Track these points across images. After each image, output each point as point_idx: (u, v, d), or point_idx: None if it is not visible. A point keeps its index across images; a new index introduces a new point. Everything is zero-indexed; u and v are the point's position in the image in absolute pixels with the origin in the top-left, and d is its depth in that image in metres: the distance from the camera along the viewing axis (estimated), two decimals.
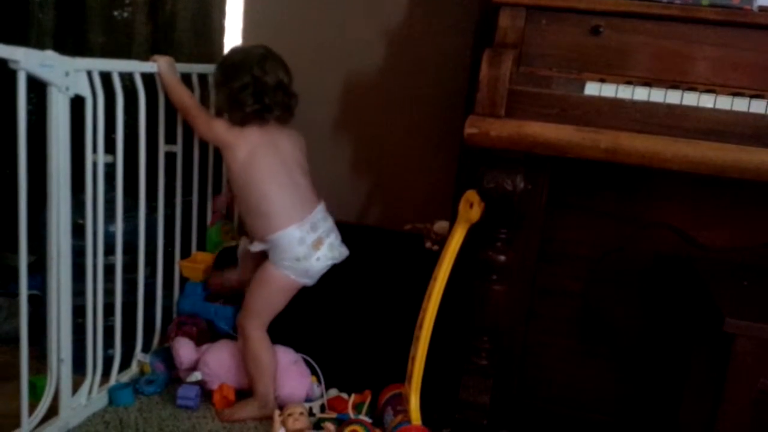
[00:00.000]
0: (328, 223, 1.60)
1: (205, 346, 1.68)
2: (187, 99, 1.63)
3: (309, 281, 1.58)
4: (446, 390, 1.53)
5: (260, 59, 1.56)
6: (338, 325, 1.75)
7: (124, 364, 1.68)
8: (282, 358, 1.64)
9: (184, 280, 1.87)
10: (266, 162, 1.56)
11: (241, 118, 1.56)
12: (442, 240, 1.73)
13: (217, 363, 1.64)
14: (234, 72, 1.56)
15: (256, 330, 1.58)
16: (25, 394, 1.34)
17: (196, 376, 1.64)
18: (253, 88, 1.54)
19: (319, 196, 1.62)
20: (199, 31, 2.05)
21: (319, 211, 1.59)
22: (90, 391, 1.55)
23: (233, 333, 1.71)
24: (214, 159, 1.91)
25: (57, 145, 1.35)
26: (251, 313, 1.59)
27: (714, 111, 1.20)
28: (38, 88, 1.33)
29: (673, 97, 1.22)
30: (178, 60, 1.68)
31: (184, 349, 1.66)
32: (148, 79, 1.61)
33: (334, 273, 1.62)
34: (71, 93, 1.36)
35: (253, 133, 1.56)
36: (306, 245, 1.53)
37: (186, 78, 1.70)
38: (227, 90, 1.56)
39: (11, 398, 1.39)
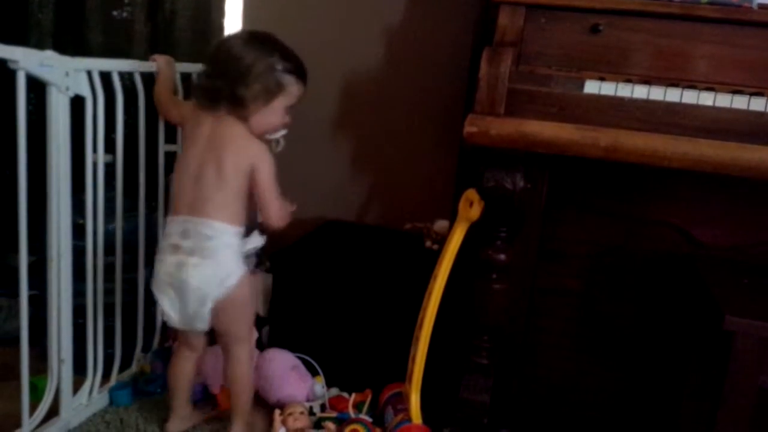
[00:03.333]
0: (201, 245, 1.33)
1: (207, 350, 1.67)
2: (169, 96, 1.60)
3: (155, 290, 1.39)
4: (447, 389, 1.52)
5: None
6: (339, 324, 1.75)
7: (125, 364, 1.69)
8: (280, 362, 1.63)
9: None
10: (190, 141, 1.42)
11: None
12: (442, 239, 1.73)
13: (217, 366, 1.63)
14: None
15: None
16: (25, 394, 1.35)
17: (198, 378, 1.64)
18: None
19: (226, 218, 1.35)
20: (199, 31, 2.05)
21: (205, 226, 1.34)
22: (90, 391, 1.55)
23: None
24: None
25: (57, 145, 1.35)
26: None
27: (713, 109, 1.20)
28: (38, 88, 1.33)
29: (673, 95, 1.22)
30: (177, 59, 1.68)
31: None
32: (148, 78, 1.61)
33: (334, 272, 1.62)
34: (71, 93, 1.36)
35: (195, 111, 1.43)
36: (167, 242, 1.37)
37: (186, 78, 1.70)
38: None
39: (12, 399, 1.39)
